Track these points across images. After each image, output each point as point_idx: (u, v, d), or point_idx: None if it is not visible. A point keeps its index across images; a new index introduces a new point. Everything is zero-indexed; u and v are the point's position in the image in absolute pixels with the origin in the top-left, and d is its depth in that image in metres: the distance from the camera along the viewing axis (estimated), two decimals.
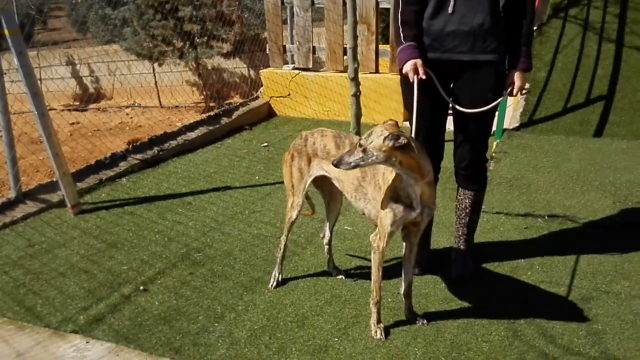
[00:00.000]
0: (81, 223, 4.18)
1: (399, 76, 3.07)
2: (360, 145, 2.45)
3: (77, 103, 11.09)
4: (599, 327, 2.85)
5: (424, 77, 2.85)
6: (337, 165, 2.52)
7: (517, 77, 2.95)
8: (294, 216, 3.11)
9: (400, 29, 2.94)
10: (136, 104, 10.63)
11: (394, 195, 2.60)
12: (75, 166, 5.42)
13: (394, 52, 6.01)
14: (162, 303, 3.15)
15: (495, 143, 5.48)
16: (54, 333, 2.90)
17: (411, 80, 2.87)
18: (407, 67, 2.89)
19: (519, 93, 3.03)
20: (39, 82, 5.69)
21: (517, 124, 6.01)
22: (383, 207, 2.63)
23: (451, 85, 3.05)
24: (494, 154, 5.26)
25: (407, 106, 2.99)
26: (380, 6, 6.44)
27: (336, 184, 2.98)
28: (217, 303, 3.14)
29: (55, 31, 14.89)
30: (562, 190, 4.51)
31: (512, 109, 6.29)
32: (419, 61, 2.87)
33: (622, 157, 5.04)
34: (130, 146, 5.65)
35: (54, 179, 4.45)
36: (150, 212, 4.37)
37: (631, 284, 3.22)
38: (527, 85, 3.22)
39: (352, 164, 2.49)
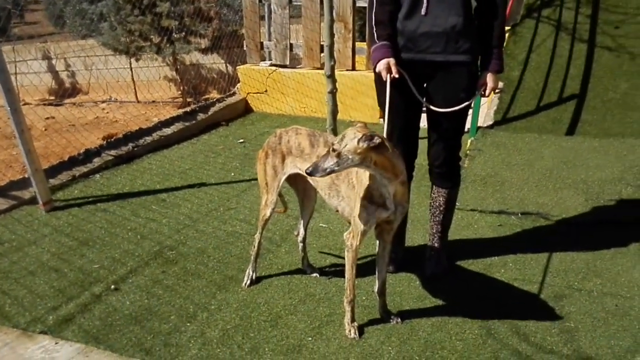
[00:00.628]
0: (53, 220, 4.12)
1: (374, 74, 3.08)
2: (334, 150, 2.41)
3: (52, 98, 10.93)
4: (571, 325, 2.88)
5: (396, 75, 2.86)
6: (311, 174, 2.47)
7: (489, 78, 2.99)
8: (268, 214, 3.11)
9: (374, 29, 2.95)
10: (112, 99, 10.51)
11: (367, 194, 2.60)
12: (49, 162, 5.35)
13: (371, 50, 6.04)
14: (133, 302, 3.12)
15: (469, 140, 5.51)
16: (22, 334, 2.86)
17: (384, 79, 2.87)
18: (380, 66, 2.89)
19: (492, 93, 3.05)
20: (13, 76, 5.59)
21: (491, 122, 6.05)
22: (356, 206, 2.63)
23: (424, 85, 3.06)
24: (468, 152, 5.29)
25: (382, 105, 3.00)
26: (357, 4, 6.46)
27: (311, 182, 2.98)
28: (190, 302, 3.12)
29: (32, 25, 14.67)
30: (535, 187, 4.54)
31: (486, 107, 6.32)
32: (392, 60, 2.88)
33: (594, 155, 5.10)
34: (105, 142, 5.58)
35: (26, 176, 4.38)
36: (123, 209, 4.32)
37: (603, 282, 3.26)
38: (500, 85, 3.24)
39: (328, 170, 2.44)
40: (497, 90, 3.06)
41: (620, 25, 6.90)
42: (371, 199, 2.60)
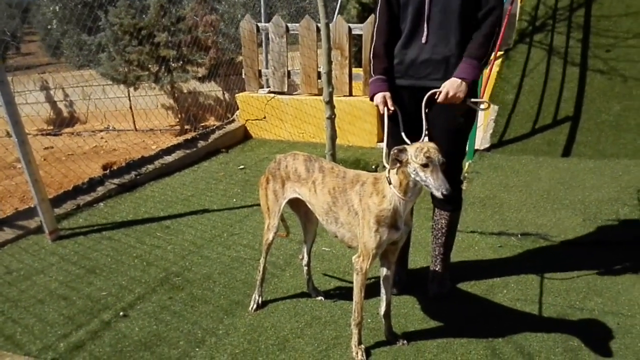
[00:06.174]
0: (59, 249, 4.17)
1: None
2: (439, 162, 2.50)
3: (50, 127, 11.01)
4: (574, 344, 2.92)
5: (392, 108, 2.98)
6: (448, 194, 2.49)
7: (447, 83, 2.92)
8: (271, 238, 3.17)
9: (371, 62, 3.09)
10: (110, 128, 10.60)
11: (380, 217, 2.65)
12: (49, 191, 5.39)
13: (367, 76, 6.14)
14: (142, 329, 3.15)
15: (467, 163, 5.60)
16: None
17: (381, 112, 3.01)
18: (377, 100, 3.03)
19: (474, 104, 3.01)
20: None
21: (487, 145, 6.15)
22: (365, 230, 2.68)
23: (426, 110, 3.14)
24: (466, 174, 5.37)
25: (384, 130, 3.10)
26: (353, 32, 6.62)
27: (309, 206, 3.04)
28: (198, 327, 3.16)
29: (29, 56, 14.81)
30: (533, 209, 4.62)
31: (482, 130, 6.43)
32: (387, 94, 3.01)
33: (590, 176, 5.18)
34: (108, 171, 5.65)
35: (32, 205, 4.43)
36: (128, 236, 4.37)
37: (604, 301, 3.31)
38: (483, 101, 3.21)
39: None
40: (482, 106, 3.05)
41: (611, 49, 7.05)
42: (384, 222, 2.65)
